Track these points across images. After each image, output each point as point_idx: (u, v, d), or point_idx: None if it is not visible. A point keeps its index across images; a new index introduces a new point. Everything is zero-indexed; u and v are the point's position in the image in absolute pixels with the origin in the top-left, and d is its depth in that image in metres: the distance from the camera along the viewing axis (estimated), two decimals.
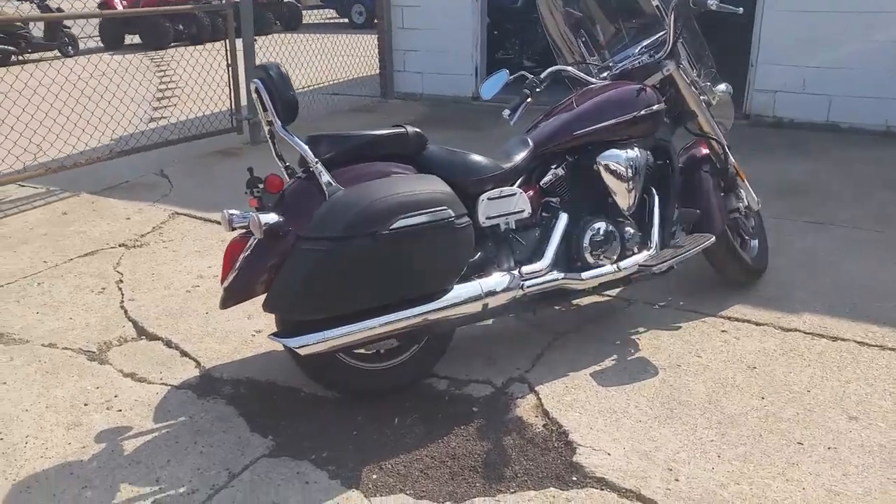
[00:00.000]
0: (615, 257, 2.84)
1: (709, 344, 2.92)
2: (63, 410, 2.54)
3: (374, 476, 2.21)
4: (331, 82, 8.81)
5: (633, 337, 2.98)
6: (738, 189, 3.32)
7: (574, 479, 2.18)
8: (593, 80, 3.17)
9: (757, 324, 3.07)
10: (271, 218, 2.22)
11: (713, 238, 3.01)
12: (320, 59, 8.15)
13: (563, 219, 2.76)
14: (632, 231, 2.88)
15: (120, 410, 2.55)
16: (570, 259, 2.79)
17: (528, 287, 2.61)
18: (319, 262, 2.12)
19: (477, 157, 2.58)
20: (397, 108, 7.83)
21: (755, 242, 3.49)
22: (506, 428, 2.43)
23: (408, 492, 2.15)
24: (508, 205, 2.58)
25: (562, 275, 2.69)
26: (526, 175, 2.80)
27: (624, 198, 2.86)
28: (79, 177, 5.22)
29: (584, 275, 2.74)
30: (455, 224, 2.25)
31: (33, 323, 3.19)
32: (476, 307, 2.46)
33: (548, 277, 2.66)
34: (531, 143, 2.80)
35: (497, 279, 2.51)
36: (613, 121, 2.83)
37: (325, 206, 2.21)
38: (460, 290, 2.42)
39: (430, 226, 2.20)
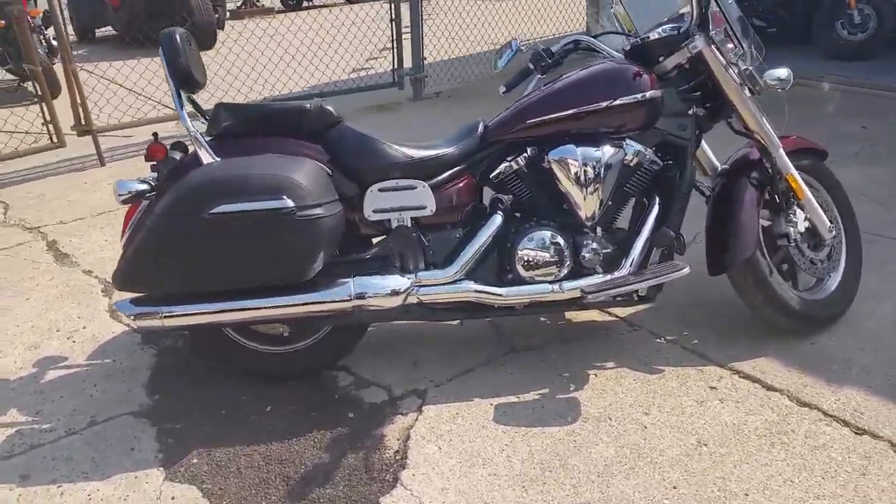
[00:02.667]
0: (562, 274, 2.35)
1: (676, 400, 2.30)
2: (39, 332, 2.88)
3: (195, 461, 2.16)
4: (535, 38, 8.43)
5: (591, 371, 2.47)
6: (792, 209, 2.51)
7: None
8: (617, 54, 2.61)
9: (769, 388, 2.34)
10: (132, 187, 2.21)
11: (685, 269, 2.34)
12: (527, 13, 7.83)
13: (495, 222, 2.34)
14: (593, 246, 2.35)
15: (75, 342, 2.81)
16: (502, 269, 2.38)
17: (423, 295, 2.29)
18: (144, 238, 2.08)
19: (382, 144, 2.29)
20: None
21: (831, 282, 2.64)
22: (359, 445, 2.20)
23: (204, 486, 2.06)
24: (404, 198, 2.26)
25: (475, 287, 2.31)
26: (470, 166, 2.41)
27: (581, 204, 2.34)
28: None
29: (505, 291, 2.33)
30: (295, 216, 2.02)
31: (94, 250, 3.63)
32: (345, 307, 2.23)
33: (454, 287, 2.30)
34: (480, 130, 2.41)
35: (377, 282, 2.24)
36: (576, 109, 2.30)
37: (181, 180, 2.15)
38: (324, 289, 2.21)
39: (258, 215, 2.01)
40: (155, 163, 2.33)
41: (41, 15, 7.62)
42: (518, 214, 2.43)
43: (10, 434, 2.30)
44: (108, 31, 10.61)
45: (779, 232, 2.51)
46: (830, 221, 2.62)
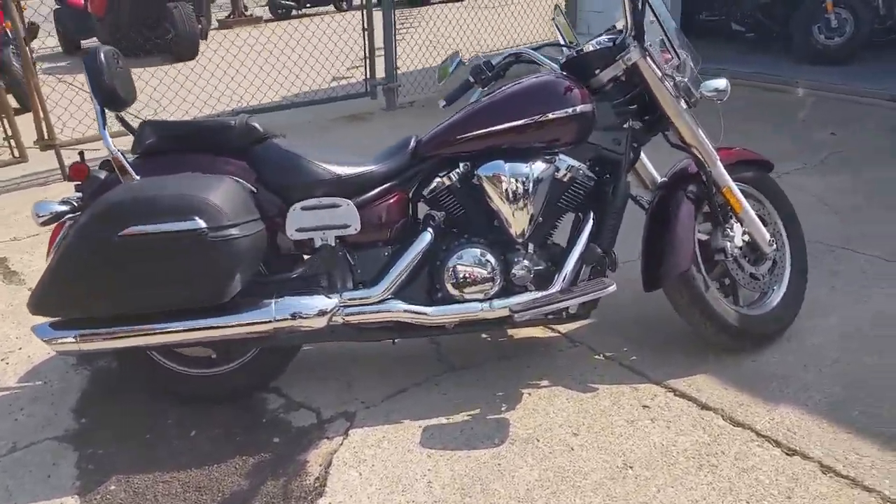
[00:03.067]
0: (493, 292, 2.31)
1: (607, 420, 2.25)
2: None
3: (113, 488, 2.11)
4: (503, 47, 8.36)
5: (526, 390, 2.42)
6: (730, 223, 2.46)
7: None
8: (556, 67, 2.57)
9: (703, 406, 2.29)
10: (51, 208, 2.17)
11: (611, 287, 2.29)
12: (508, 21, 7.78)
13: (423, 240, 2.30)
14: (524, 263, 2.30)
15: (8, 363, 2.76)
16: (432, 288, 2.34)
17: (349, 316, 2.25)
18: (57, 261, 2.04)
19: (307, 161, 2.24)
20: None
21: (774, 297, 2.59)
22: (280, 471, 2.14)
23: None
24: (328, 217, 2.22)
25: (402, 306, 2.27)
26: (402, 182, 2.36)
27: (511, 221, 2.29)
28: None
29: (433, 310, 2.28)
30: (208, 237, 1.98)
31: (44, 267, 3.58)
32: (266, 329, 2.19)
33: (380, 307, 2.26)
34: (412, 146, 2.37)
35: (300, 302, 2.19)
36: (504, 125, 2.26)
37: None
38: (244, 310, 2.16)
39: (170, 236, 1.96)
40: (79, 183, 2.30)
41: (25, 26, 7.55)
42: (450, 231, 2.38)
43: None
44: (94, 42, 10.59)
45: (715, 246, 2.47)
46: (773, 235, 2.58)
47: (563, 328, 2.76)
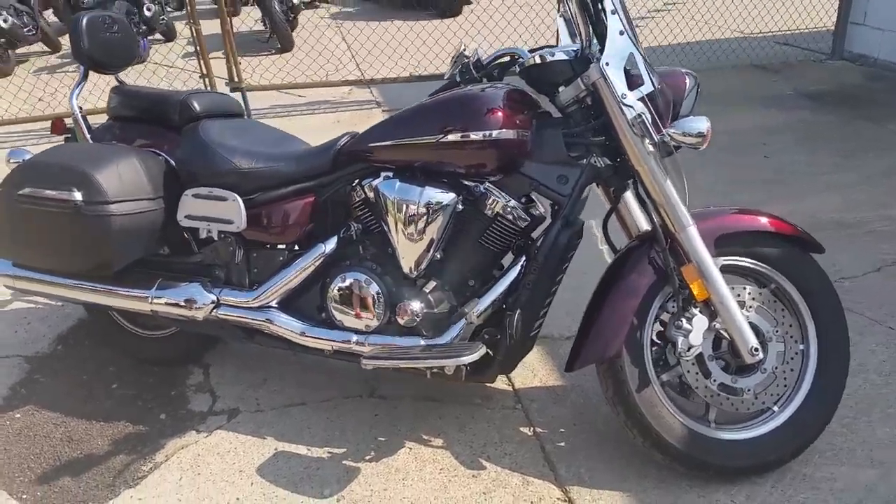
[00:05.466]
0: (374, 326, 2.02)
1: None
2: None
3: (18, 416, 2.31)
4: (782, 31, 7.06)
5: (410, 443, 2.11)
6: (689, 312, 1.81)
7: None
8: None
9: None
10: (22, 156, 2.36)
11: (469, 356, 1.81)
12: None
13: (316, 251, 2.07)
14: (415, 303, 1.96)
15: None
16: (320, 306, 2.12)
17: (224, 315, 2.14)
18: None
19: (212, 148, 2.12)
20: (828, 72, 5.84)
21: (770, 422, 1.89)
22: (138, 449, 2.15)
23: None
24: (213, 209, 2.09)
25: (275, 317, 2.09)
26: (319, 184, 2.14)
27: (400, 251, 1.96)
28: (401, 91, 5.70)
29: (305, 330, 2.07)
30: (83, 210, 1.99)
31: None
32: (143, 308, 2.18)
33: (257, 315, 2.11)
34: (335, 147, 2.13)
35: (175, 289, 2.14)
36: (407, 140, 1.91)
37: None
38: (127, 286, 2.18)
39: (50, 203, 2.01)
40: (68, 136, 2.50)
41: None
42: (358, 248, 2.12)
43: None
44: None
45: (669, 338, 1.85)
46: (796, 338, 1.87)
47: (520, 383, 2.33)
